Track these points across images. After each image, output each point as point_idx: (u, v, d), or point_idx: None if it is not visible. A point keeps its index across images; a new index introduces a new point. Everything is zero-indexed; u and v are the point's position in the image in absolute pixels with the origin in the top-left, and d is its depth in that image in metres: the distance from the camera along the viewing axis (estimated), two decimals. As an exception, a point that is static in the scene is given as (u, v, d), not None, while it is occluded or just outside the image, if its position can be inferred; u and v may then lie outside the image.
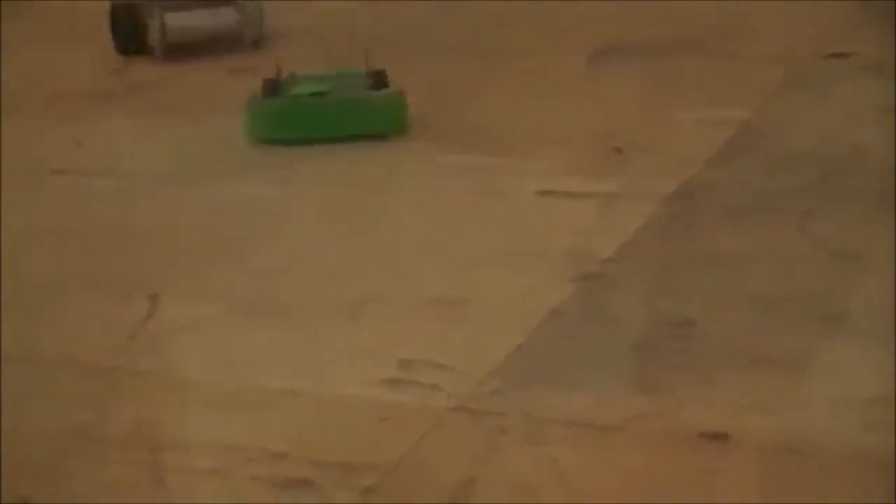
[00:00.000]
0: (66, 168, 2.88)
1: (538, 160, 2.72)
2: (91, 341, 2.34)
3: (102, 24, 3.53)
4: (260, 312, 2.37)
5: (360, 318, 2.32)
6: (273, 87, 3.00)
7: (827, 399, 2.00)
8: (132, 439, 2.09)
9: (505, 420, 2.05)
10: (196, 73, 3.30)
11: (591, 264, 2.37)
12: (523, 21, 3.38)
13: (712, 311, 2.22)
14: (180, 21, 3.38)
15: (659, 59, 3.09)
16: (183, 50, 3.40)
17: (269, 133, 2.95)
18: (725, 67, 3.00)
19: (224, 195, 2.75)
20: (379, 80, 2.96)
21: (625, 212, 2.51)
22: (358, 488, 1.93)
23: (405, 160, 2.79)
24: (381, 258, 2.48)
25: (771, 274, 2.29)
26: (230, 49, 3.41)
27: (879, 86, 2.82)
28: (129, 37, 3.41)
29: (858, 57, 2.96)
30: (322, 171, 2.78)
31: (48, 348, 2.33)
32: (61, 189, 2.84)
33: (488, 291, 2.35)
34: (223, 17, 3.42)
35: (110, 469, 2.04)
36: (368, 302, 2.36)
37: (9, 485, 2.01)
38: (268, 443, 2.05)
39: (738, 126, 2.73)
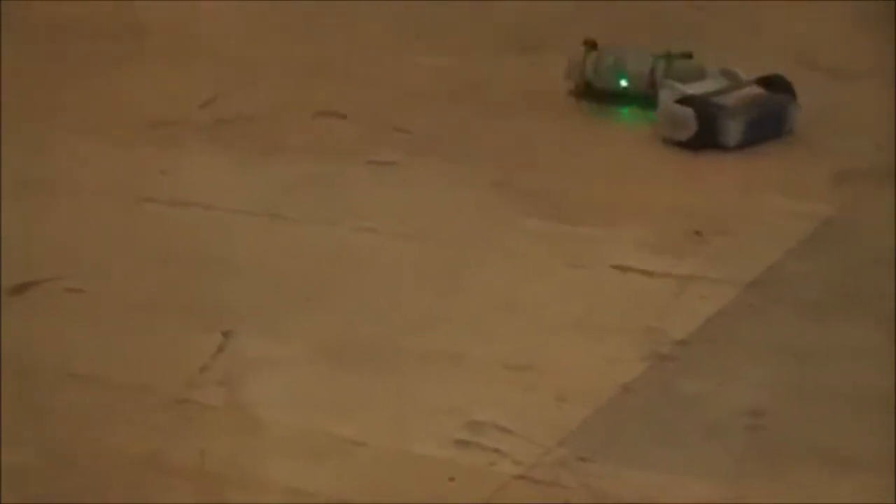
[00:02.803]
0: (153, 196, 2.92)
1: (617, 234, 2.74)
2: (164, 370, 2.37)
3: (203, 52, 3.57)
4: (332, 358, 2.38)
5: (435, 375, 2.33)
6: None
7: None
8: (199, 472, 2.12)
9: (568, 492, 2.05)
10: (286, 112, 3.34)
11: (664, 345, 2.37)
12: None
13: (785, 403, 2.22)
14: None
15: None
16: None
17: None
18: (814, 158, 3.01)
19: (309, 238, 2.78)
20: None
21: (701, 295, 2.51)
22: (418, 545, 1.96)
23: (488, 221, 2.81)
24: (454, 316, 2.49)
25: (848, 372, 2.29)
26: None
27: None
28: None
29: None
30: (406, 224, 2.80)
31: (122, 373, 2.36)
32: (147, 216, 2.87)
33: (560, 360, 2.36)
34: None
35: (176, 499, 2.06)
36: (440, 358, 2.37)
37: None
38: (333, 490, 2.06)
39: (821, 220, 2.73)
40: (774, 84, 3.18)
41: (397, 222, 2.83)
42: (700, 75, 3.24)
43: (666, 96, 3.17)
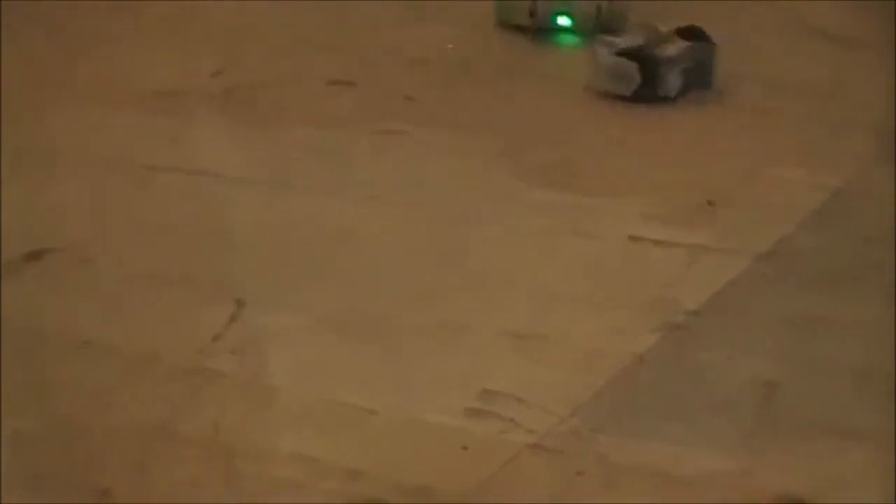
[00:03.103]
0: (161, 165, 2.91)
1: (629, 204, 2.73)
2: (175, 339, 2.36)
3: (210, 23, 3.56)
4: (344, 328, 2.38)
5: (445, 345, 2.33)
6: None
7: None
8: (210, 441, 2.12)
9: (581, 462, 2.05)
10: (297, 83, 3.33)
11: (676, 315, 2.37)
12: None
13: (797, 375, 2.22)
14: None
15: (758, 116, 3.09)
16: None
17: None
18: (824, 131, 3.00)
19: (317, 207, 2.78)
20: None
21: (713, 266, 2.51)
22: (431, 514, 1.96)
23: (497, 191, 2.81)
24: (467, 288, 2.49)
25: (860, 345, 2.28)
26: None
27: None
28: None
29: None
30: (413, 194, 2.80)
31: (133, 342, 2.35)
32: (156, 185, 2.86)
33: (571, 331, 2.36)
34: None
35: (187, 469, 2.06)
36: (453, 329, 2.37)
37: (89, 475, 2.05)
38: (345, 459, 2.06)
39: (833, 192, 2.73)
40: (694, 35, 3.24)
41: (405, 192, 2.82)
42: (623, 29, 3.33)
43: (603, 51, 3.21)
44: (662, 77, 3.14)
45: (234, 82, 3.32)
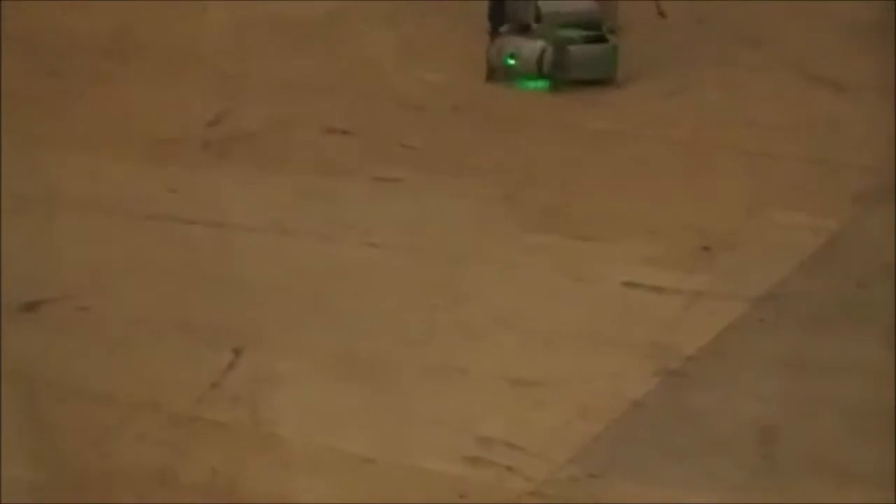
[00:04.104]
0: (159, 213, 2.92)
1: (624, 249, 2.74)
2: (174, 387, 2.36)
3: (207, 69, 3.57)
4: (340, 374, 2.38)
5: (442, 390, 2.33)
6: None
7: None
8: (208, 487, 2.12)
9: (580, 508, 2.06)
10: (295, 128, 3.34)
11: (674, 360, 2.37)
12: (617, 105, 3.40)
13: (796, 417, 2.22)
14: None
15: (753, 159, 3.10)
16: None
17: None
18: (819, 173, 3.01)
19: (312, 253, 2.78)
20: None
21: (710, 311, 2.51)
22: (430, 562, 1.96)
23: (493, 236, 2.81)
24: (465, 332, 2.49)
25: (858, 386, 2.29)
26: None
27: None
28: None
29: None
30: (411, 240, 2.80)
31: (132, 390, 2.36)
32: (154, 233, 2.87)
33: (569, 376, 2.36)
34: None
35: (186, 516, 2.07)
36: (449, 372, 2.37)
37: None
38: (341, 507, 2.07)
39: (829, 234, 2.74)
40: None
41: (402, 237, 2.83)
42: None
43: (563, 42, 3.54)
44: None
45: (232, 130, 3.33)
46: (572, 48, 3.51)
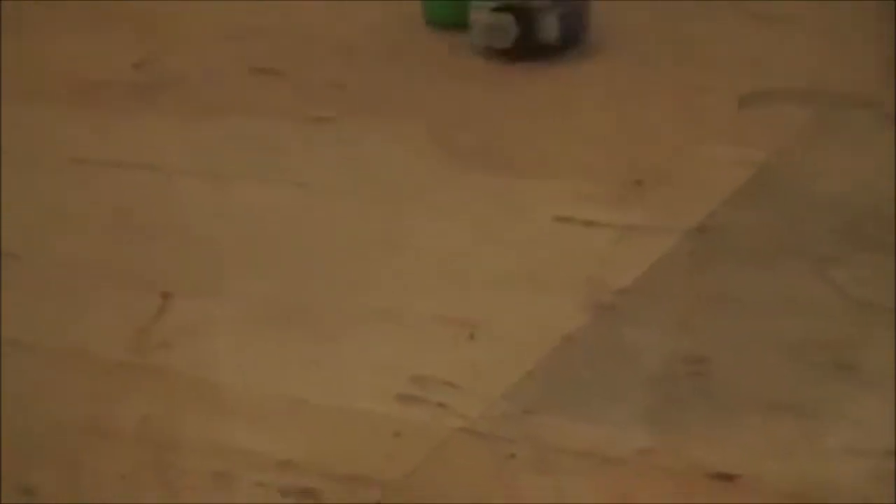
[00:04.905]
0: (86, 157, 2.88)
1: (557, 185, 2.72)
2: (101, 334, 2.34)
3: (132, 13, 3.52)
4: (273, 318, 2.37)
5: (373, 332, 2.32)
6: None
7: (840, 448, 2.00)
8: (139, 436, 2.10)
9: (513, 445, 2.04)
10: (220, 71, 3.30)
11: (605, 295, 2.36)
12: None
13: (727, 351, 2.22)
14: None
15: (684, 93, 3.10)
16: None
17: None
18: (746, 105, 3.00)
19: (243, 197, 2.75)
20: None
21: (642, 245, 2.50)
22: (364, 501, 1.94)
23: (425, 175, 2.80)
24: (395, 273, 2.48)
25: (788, 319, 2.28)
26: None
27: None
28: None
29: (884, 105, 2.96)
30: (343, 182, 2.78)
31: (58, 338, 2.33)
32: (82, 178, 2.83)
33: (500, 314, 2.35)
34: None
35: (116, 465, 2.04)
36: (381, 315, 2.35)
37: (13, 474, 2.02)
38: (275, 450, 2.04)
39: (760, 166, 2.73)
40: None
41: (334, 180, 2.80)
42: None
43: (480, 12, 3.34)
44: (539, 24, 3.28)
45: (160, 73, 3.30)
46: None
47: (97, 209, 2.72)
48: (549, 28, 3.32)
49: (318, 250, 2.58)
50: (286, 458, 2.02)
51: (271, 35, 3.46)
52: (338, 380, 2.20)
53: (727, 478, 1.96)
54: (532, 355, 2.23)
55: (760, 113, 2.99)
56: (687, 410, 2.10)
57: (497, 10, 3.35)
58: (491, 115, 3.09)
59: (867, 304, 2.33)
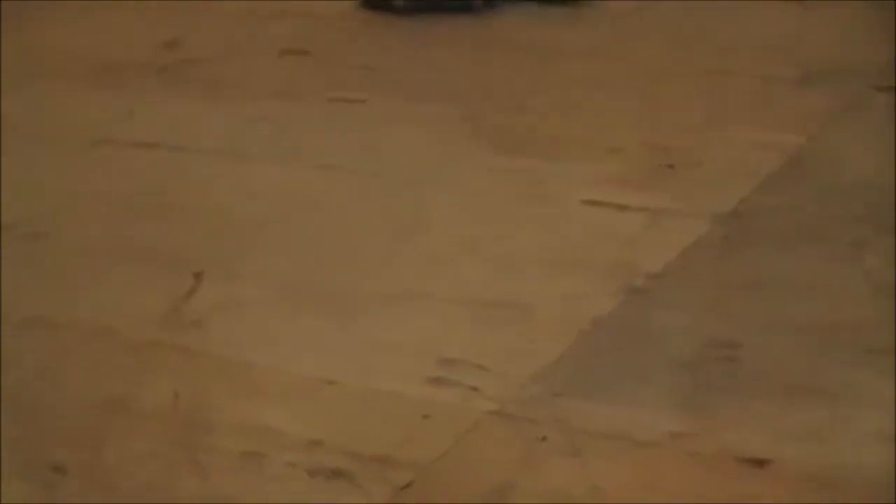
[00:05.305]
0: (114, 139, 2.88)
1: (586, 168, 2.71)
2: (131, 313, 2.34)
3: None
4: (303, 298, 2.36)
5: (403, 313, 2.31)
6: None
7: (869, 433, 1.99)
8: (167, 415, 2.09)
9: (543, 428, 2.04)
10: (251, 51, 3.30)
11: (636, 278, 2.36)
12: (575, 25, 3.38)
13: (758, 335, 2.21)
14: None
15: (716, 76, 3.08)
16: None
17: None
18: (782, 90, 2.99)
19: (271, 179, 2.75)
20: None
21: (673, 229, 2.50)
22: (394, 483, 1.94)
23: (452, 159, 2.79)
24: (424, 254, 2.47)
25: (819, 303, 2.28)
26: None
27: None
28: None
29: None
30: (367, 162, 2.78)
31: (88, 316, 2.33)
32: (110, 158, 2.83)
33: (530, 296, 2.34)
34: None
35: (144, 443, 2.04)
36: (411, 297, 2.35)
37: (42, 450, 2.02)
38: (305, 430, 2.04)
39: (792, 150, 2.72)
40: None
41: (361, 161, 2.80)
42: None
43: None
44: None
45: (186, 54, 3.29)
46: None
47: (125, 189, 2.72)
48: None
49: (345, 232, 2.57)
50: (316, 438, 2.02)
51: (299, 16, 3.46)
52: (367, 361, 2.20)
53: (757, 462, 1.95)
54: (562, 339, 2.22)
55: (789, 97, 2.99)
56: (717, 395, 2.09)
57: None
58: (518, 94, 3.10)
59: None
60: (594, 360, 2.19)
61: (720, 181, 2.66)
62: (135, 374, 2.18)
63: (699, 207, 2.56)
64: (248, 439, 2.03)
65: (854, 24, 3.25)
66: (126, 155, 2.84)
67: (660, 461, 1.98)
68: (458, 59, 3.21)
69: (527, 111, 2.96)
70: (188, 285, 2.38)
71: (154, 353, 2.22)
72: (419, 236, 2.54)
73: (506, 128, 2.90)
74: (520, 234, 2.54)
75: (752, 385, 2.11)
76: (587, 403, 2.09)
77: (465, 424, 2.04)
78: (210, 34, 3.38)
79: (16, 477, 1.97)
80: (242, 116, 2.98)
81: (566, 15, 3.41)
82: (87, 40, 3.34)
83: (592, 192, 2.62)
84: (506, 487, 1.92)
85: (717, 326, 2.25)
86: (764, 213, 2.55)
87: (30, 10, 3.52)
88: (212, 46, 3.32)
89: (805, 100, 2.94)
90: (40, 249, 2.53)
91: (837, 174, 2.66)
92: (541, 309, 2.31)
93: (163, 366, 2.19)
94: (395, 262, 2.46)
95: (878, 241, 2.43)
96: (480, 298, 2.34)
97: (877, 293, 2.30)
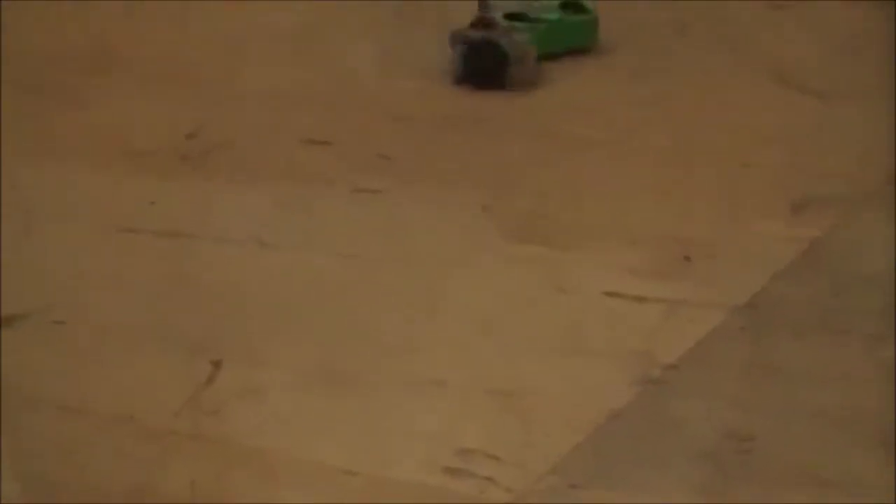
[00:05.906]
0: (137, 226, 2.91)
1: (605, 258, 2.73)
2: (150, 401, 2.35)
3: (186, 81, 3.56)
4: (323, 386, 2.37)
5: (421, 402, 2.32)
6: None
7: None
8: (186, 502, 2.11)
9: (561, 519, 2.05)
10: (274, 139, 3.33)
11: (653, 369, 2.37)
12: (594, 111, 3.40)
13: (775, 426, 2.22)
14: None
15: (732, 167, 3.10)
16: None
17: None
18: (798, 182, 3.01)
19: (292, 266, 2.77)
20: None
21: (691, 319, 2.51)
22: (410, 575, 1.95)
23: (471, 246, 2.81)
24: (444, 343, 2.48)
25: (837, 394, 2.29)
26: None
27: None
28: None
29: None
30: (390, 251, 2.80)
31: (106, 403, 2.35)
32: (132, 246, 2.85)
33: (548, 386, 2.36)
34: None
35: (164, 532, 2.06)
36: (430, 385, 2.36)
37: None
38: (323, 519, 2.06)
39: (808, 242, 2.73)
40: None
41: (381, 248, 2.82)
42: None
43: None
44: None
45: (210, 142, 3.32)
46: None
47: (147, 276, 2.73)
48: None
49: (364, 318, 2.59)
50: (333, 528, 2.03)
51: (320, 104, 3.49)
52: (383, 449, 2.20)
53: (775, 555, 1.96)
54: (579, 429, 2.23)
55: (807, 187, 3.01)
56: (735, 485, 2.10)
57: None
58: (537, 182, 3.12)
59: (916, 382, 2.33)
60: (611, 451, 2.19)
61: (737, 272, 2.66)
62: (154, 463, 2.19)
63: (716, 298, 2.56)
64: (266, 529, 2.04)
65: (875, 120, 3.27)
66: (148, 242, 2.84)
67: (677, 552, 1.99)
68: (476, 145, 3.24)
69: (544, 198, 2.99)
70: (207, 373, 2.40)
71: (172, 440, 2.23)
72: (437, 323, 2.55)
73: (523, 215, 2.92)
74: (538, 322, 2.55)
75: (769, 475, 2.11)
76: (605, 494, 2.09)
77: (482, 516, 2.05)
78: (234, 121, 3.41)
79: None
80: (265, 204, 3.02)
81: (592, 101, 3.43)
82: (114, 127, 3.36)
83: (610, 283, 2.63)
84: (522, 579, 1.93)
85: (735, 418, 2.25)
86: (779, 304, 2.56)
87: (58, 99, 3.57)
88: (235, 133, 3.35)
89: (821, 192, 2.96)
90: (61, 335, 2.54)
91: (853, 266, 2.67)
92: (558, 398, 2.31)
93: (181, 454, 2.21)
94: (413, 350, 2.47)
95: (893, 334, 2.43)
96: (497, 387, 2.35)
97: (893, 385, 2.31)
